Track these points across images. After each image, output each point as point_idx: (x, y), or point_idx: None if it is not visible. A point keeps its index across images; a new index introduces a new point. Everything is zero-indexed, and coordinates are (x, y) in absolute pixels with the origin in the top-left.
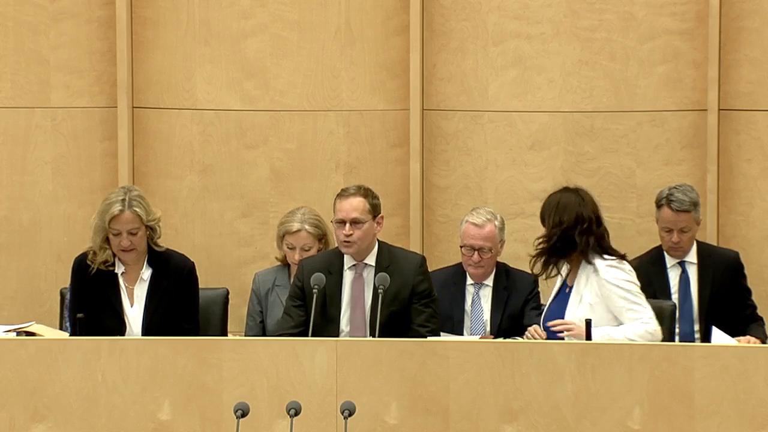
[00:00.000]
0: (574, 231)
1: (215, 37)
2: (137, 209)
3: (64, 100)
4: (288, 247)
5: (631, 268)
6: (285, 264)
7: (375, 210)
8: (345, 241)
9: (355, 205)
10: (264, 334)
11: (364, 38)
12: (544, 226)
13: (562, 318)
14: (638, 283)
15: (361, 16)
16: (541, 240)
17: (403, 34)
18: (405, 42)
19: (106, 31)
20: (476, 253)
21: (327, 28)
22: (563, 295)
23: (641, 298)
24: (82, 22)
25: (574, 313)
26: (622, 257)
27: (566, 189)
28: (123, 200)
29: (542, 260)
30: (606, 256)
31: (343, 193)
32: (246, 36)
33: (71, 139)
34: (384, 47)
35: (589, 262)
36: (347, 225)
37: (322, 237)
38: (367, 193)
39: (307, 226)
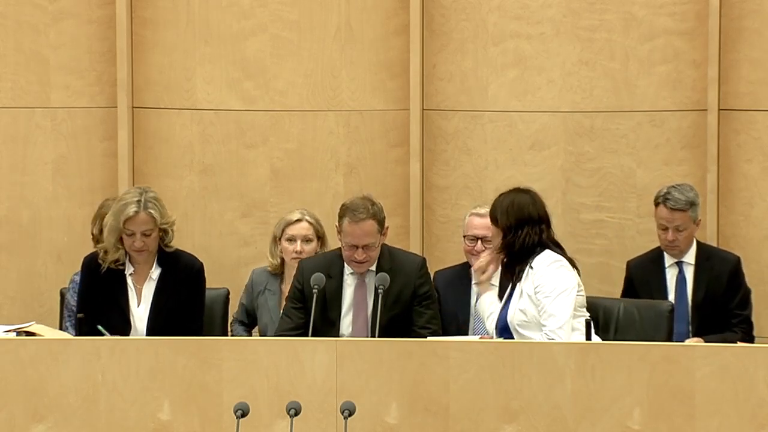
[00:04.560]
0: (530, 233)
1: (215, 37)
2: (152, 211)
3: (64, 100)
4: (288, 240)
5: (571, 269)
6: (277, 273)
7: (382, 226)
8: (357, 264)
9: (367, 231)
10: (250, 324)
11: (364, 38)
12: (494, 225)
13: (506, 316)
14: (572, 284)
15: (361, 16)
16: (502, 250)
17: (403, 34)
18: (405, 42)
19: (106, 31)
20: (479, 242)
21: (327, 28)
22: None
23: (559, 304)
24: (82, 22)
25: (516, 305)
26: (566, 257)
27: (518, 190)
28: (139, 201)
29: (508, 270)
30: (548, 252)
31: (353, 217)
32: (246, 36)
33: (71, 139)
34: (384, 47)
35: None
36: (360, 250)
37: (320, 236)
38: (375, 212)
39: (307, 218)
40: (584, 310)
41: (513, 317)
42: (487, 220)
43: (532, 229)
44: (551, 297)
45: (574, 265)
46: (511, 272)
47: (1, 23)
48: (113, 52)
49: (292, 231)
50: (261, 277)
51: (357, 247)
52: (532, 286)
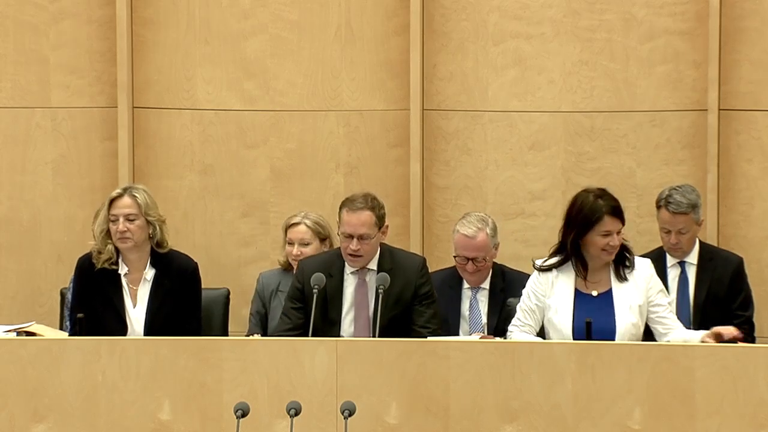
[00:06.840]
0: None
1: (215, 37)
2: (137, 195)
3: (64, 100)
4: (288, 243)
5: None
6: (288, 268)
7: (381, 221)
8: (352, 256)
9: (363, 220)
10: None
11: (364, 38)
12: (622, 222)
13: (613, 325)
14: None
15: (361, 16)
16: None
17: (403, 34)
18: (405, 42)
19: (106, 31)
20: (470, 262)
21: (327, 28)
22: (593, 300)
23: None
24: (82, 22)
25: (628, 319)
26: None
27: (599, 189)
28: (125, 188)
29: (614, 267)
30: (638, 257)
31: (351, 206)
32: (246, 36)
33: (71, 139)
34: (384, 47)
35: (623, 264)
36: (355, 240)
37: (324, 238)
38: (374, 205)
39: (306, 221)
40: None
41: (624, 332)
42: (475, 242)
43: None
44: (672, 311)
45: None
46: (617, 274)
47: (1, 23)
48: (113, 52)
49: (290, 234)
50: (271, 279)
51: (352, 237)
52: (642, 297)
